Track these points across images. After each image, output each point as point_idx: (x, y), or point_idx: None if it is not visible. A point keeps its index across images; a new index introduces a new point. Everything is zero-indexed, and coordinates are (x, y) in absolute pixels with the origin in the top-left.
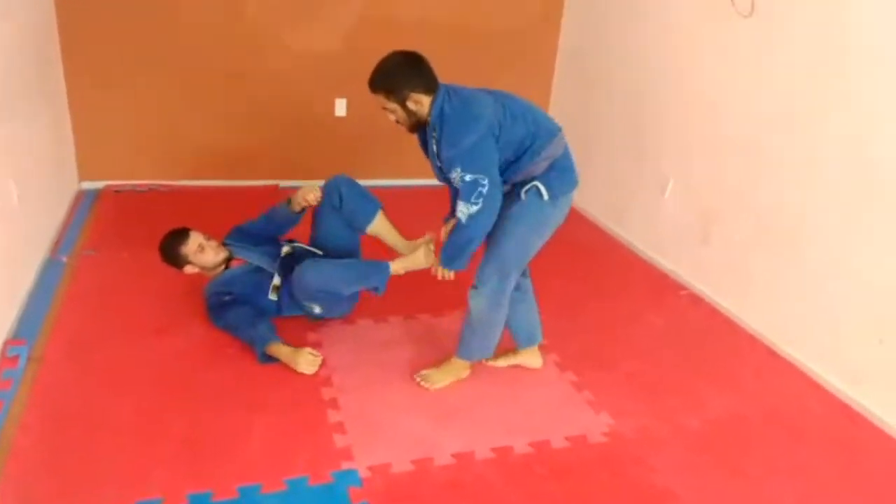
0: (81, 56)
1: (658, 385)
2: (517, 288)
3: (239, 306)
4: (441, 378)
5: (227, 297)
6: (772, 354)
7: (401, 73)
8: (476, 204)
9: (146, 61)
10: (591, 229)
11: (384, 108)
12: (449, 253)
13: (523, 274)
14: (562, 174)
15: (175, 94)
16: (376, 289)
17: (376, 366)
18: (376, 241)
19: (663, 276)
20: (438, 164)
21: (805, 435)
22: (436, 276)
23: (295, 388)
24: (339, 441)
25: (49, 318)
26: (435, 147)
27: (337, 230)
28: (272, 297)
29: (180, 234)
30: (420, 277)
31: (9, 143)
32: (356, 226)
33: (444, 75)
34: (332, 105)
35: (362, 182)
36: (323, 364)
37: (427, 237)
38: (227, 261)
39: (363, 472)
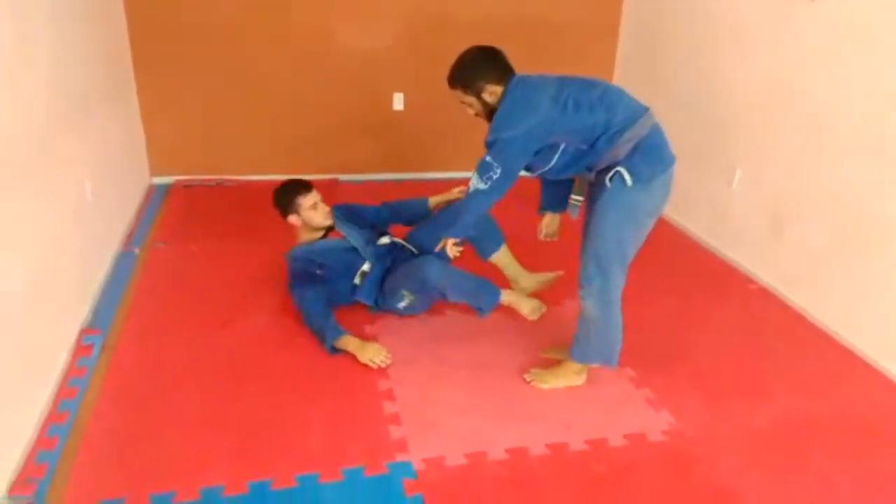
0: (150, 57)
1: (723, 382)
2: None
3: (319, 286)
4: (552, 380)
5: (316, 270)
6: (846, 353)
7: (475, 66)
8: (486, 183)
9: (212, 63)
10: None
11: (462, 103)
12: (446, 219)
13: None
14: (647, 156)
15: (239, 92)
16: (481, 309)
17: (432, 359)
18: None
19: (730, 269)
20: None
21: (878, 435)
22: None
23: (353, 379)
24: (395, 432)
25: (122, 308)
26: None
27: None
28: (356, 280)
29: (302, 185)
30: (479, 271)
31: (84, 142)
32: (480, 251)
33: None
34: (391, 99)
35: (420, 174)
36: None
37: (554, 274)
38: (328, 230)
39: (417, 465)
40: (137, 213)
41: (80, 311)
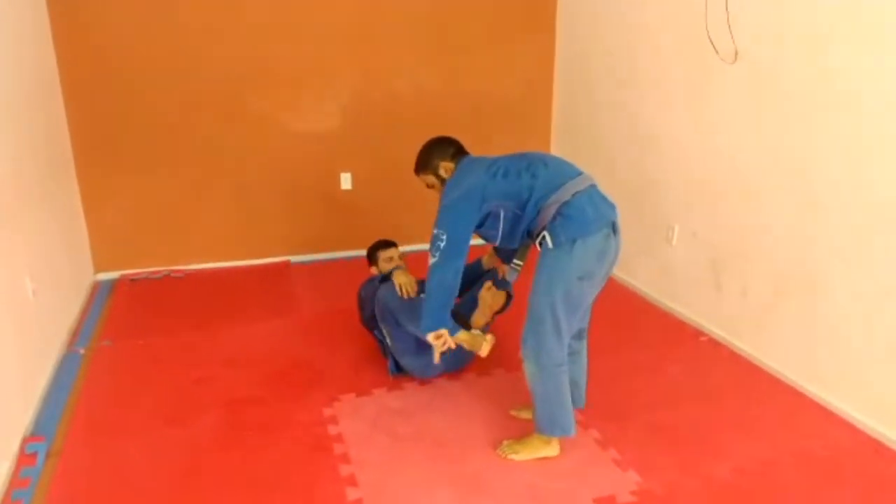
0: (91, 150)
1: (683, 436)
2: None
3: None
4: (523, 451)
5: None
6: (797, 395)
7: (431, 149)
8: (434, 256)
9: (153, 151)
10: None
11: (427, 187)
12: (423, 315)
13: (578, 336)
14: (567, 220)
15: (184, 180)
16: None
17: (391, 437)
18: None
19: (679, 323)
20: None
21: (838, 476)
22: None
23: (312, 468)
24: None
25: (67, 412)
26: None
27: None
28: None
29: (390, 243)
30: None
31: (24, 240)
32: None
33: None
34: (338, 179)
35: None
36: (339, 440)
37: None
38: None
39: None
40: (82, 311)
41: (22, 419)
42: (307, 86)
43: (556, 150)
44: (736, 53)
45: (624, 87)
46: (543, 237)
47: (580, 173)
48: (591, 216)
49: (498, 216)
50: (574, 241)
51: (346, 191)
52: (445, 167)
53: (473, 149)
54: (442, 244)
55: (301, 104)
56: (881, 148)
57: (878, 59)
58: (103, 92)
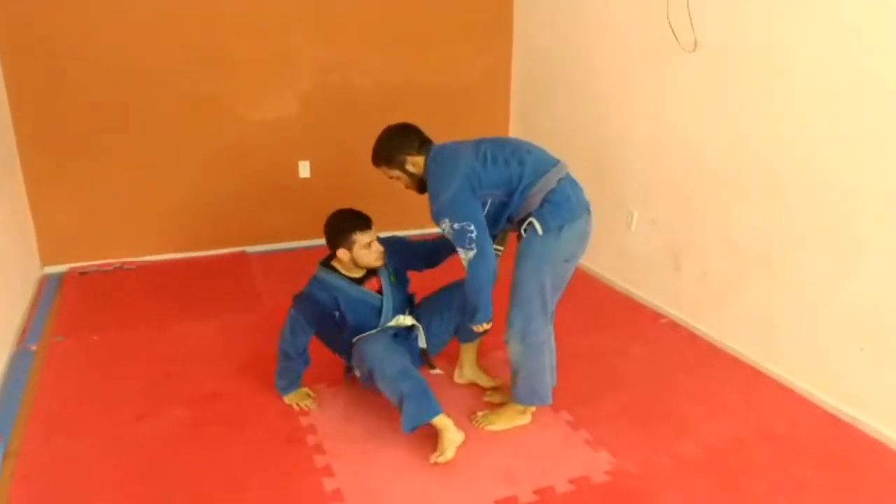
0: (36, 138)
1: (651, 415)
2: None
3: (380, 336)
4: (499, 422)
5: (334, 312)
6: (757, 374)
7: (393, 142)
8: (471, 248)
9: (102, 140)
10: None
11: (391, 179)
12: (471, 307)
13: (550, 318)
14: (555, 207)
15: (134, 170)
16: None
17: (366, 426)
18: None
19: (640, 307)
20: None
21: (800, 450)
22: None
23: (285, 460)
24: None
25: (23, 410)
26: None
27: (442, 328)
28: (422, 344)
29: (363, 220)
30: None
31: None
32: (462, 334)
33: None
34: (296, 167)
35: None
36: (312, 430)
37: (495, 383)
38: (369, 274)
39: None
40: (30, 307)
41: None
42: (264, 74)
43: (515, 135)
44: (696, 42)
45: (582, 74)
46: (531, 223)
47: (558, 160)
48: (574, 202)
49: (484, 204)
50: (562, 226)
51: (305, 179)
52: (413, 162)
53: (434, 139)
54: (474, 234)
55: (258, 92)
56: (837, 134)
57: (835, 47)
58: (49, 78)
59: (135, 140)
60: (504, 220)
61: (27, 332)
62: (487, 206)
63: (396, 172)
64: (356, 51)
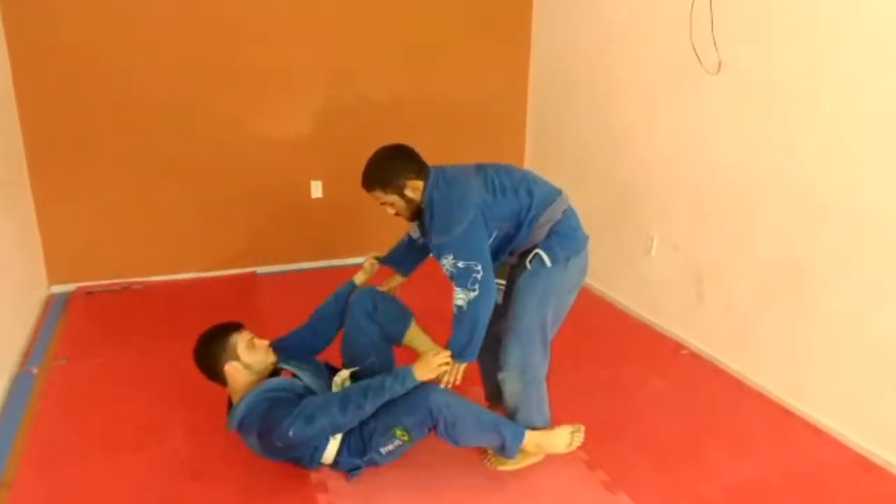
0: (46, 157)
1: (671, 454)
2: (496, 339)
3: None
4: (510, 461)
5: (286, 395)
6: (783, 411)
7: (390, 165)
8: (474, 290)
9: (112, 158)
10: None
11: (382, 204)
12: (460, 343)
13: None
14: (563, 238)
15: (144, 189)
16: (503, 448)
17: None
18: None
19: (660, 336)
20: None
21: (829, 495)
22: (447, 385)
23: (286, 497)
24: None
25: (19, 438)
26: (428, 232)
27: (372, 344)
28: (335, 438)
29: (232, 324)
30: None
31: None
32: (392, 334)
33: (416, 148)
34: (308, 187)
35: (342, 261)
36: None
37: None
38: (274, 371)
39: None
40: (35, 327)
41: None
42: (276, 90)
43: (530, 157)
44: (720, 63)
45: (602, 94)
46: (537, 255)
47: (561, 190)
48: (580, 233)
49: (489, 236)
50: (569, 258)
51: (317, 199)
52: (413, 186)
53: (447, 156)
54: (479, 276)
55: (270, 109)
56: (868, 158)
57: (864, 68)
58: (59, 94)
59: (145, 158)
60: (506, 253)
61: (30, 355)
62: (492, 239)
63: (392, 198)
64: (369, 64)
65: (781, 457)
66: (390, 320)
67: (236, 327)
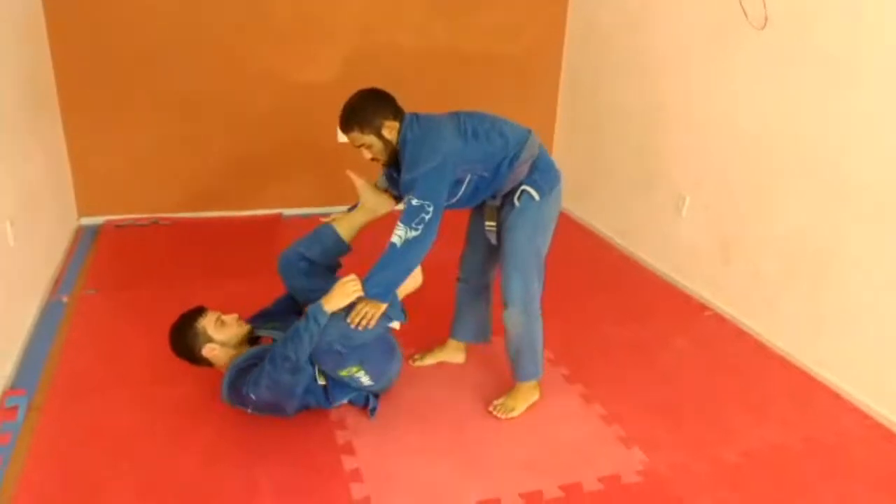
0: (77, 90)
1: (690, 414)
2: (487, 286)
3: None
4: (517, 405)
5: (252, 362)
6: (806, 377)
7: (369, 105)
8: (416, 230)
9: (143, 94)
10: (606, 249)
11: (359, 147)
12: (378, 277)
13: (489, 272)
14: (544, 172)
15: (174, 125)
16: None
17: (387, 404)
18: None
19: (685, 297)
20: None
21: (849, 464)
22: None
23: (307, 434)
24: (357, 491)
25: (49, 364)
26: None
27: (322, 290)
28: (321, 381)
29: (195, 310)
30: (426, 309)
31: (4, 182)
32: (331, 252)
33: (445, 101)
34: (334, 133)
35: None
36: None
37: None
38: (251, 339)
39: None
40: (65, 258)
41: (2, 370)
42: (307, 36)
43: (562, 113)
44: (766, 18)
45: (640, 47)
46: (524, 192)
47: (529, 129)
48: (555, 166)
49: (462, 181)
50: (552, 190)
51: (343, 144)
52: (390, 126)
53: (474, 107)
54: (427, 216)
55: (299, 52)
56: None
57: None
58: (91, 29)
59: (176, 95)
60: (482, 195)
61: (60, 284)
62: (466, 183)
63: (370, 138)
64: (403, 12)
65: (802, 423)
66: (323, 249)
67: (200, 312)
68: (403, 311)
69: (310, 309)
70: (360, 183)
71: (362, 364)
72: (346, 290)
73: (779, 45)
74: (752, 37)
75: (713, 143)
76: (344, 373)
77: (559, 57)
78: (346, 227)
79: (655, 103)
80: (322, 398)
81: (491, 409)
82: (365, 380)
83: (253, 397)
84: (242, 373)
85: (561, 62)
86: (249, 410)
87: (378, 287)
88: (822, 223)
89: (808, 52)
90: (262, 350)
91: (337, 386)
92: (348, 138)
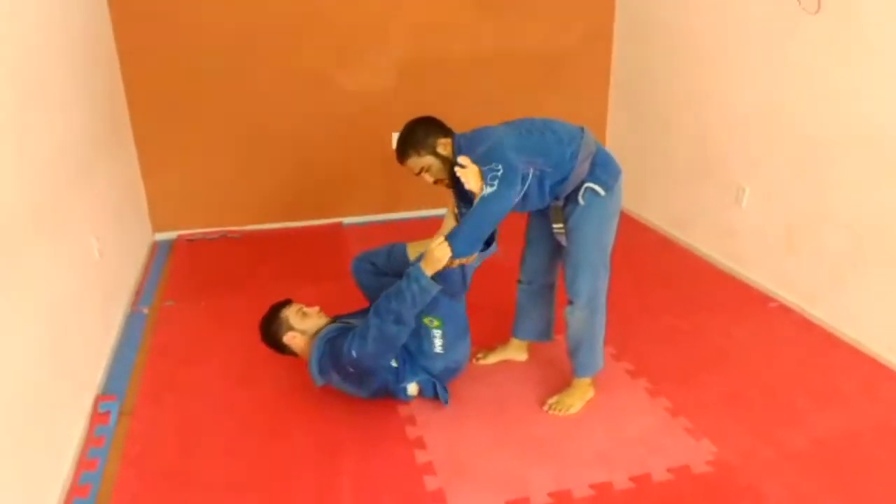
0: (147, 113)
1: (757, 404)
2: (550, 287)
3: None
4: (574, 403)
5: (348, 368)
6: (876, 365)
7: (419, 129)
8: (491, 185)
9: (207, 113)
10: (662, 243)
11: (419, 174)
12: (462, 238)
13: (552, 272)
14: (606, 166)
15: (236, 142)
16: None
17: (456, 399)
18: None
19: (747, 288)
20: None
21: None
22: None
23: (380, 430)
24: (430, 483)
25: (136, 371)
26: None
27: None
28: (393, 363)
29: (282, 302)
30: (487, 310)
31: (88, 200)
32: (398, 267)
33: (498, 103)
34: (390, 140)
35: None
36: (404, 403)
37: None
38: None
39: None
40: (143, 272)
41: (94, 377)
42: (360, 44)
43: (614, 109)
44: (819, 3)
45: (689, 37)
46: (588, 189)
47: (584, 127)
48: (615, 160)
49: (525, 177)
50: (614, 184)
51: None
52: (443, 143)
53: (528, 110)
54: (499, 173)
55: (354, 63)
56: None
57: None
58: (158, 50)
59: (238, 111)
60: (549, 194)
61: (140, 296)
62: (529, 179)
63: (427, 159)
64: (450, 16)
65: (873, 409)
66: (392, 262)
67: (285, 304)
68: (493, 242)
69: (410, 270)
70: (447, 210)
71: (444, 321)
72: (437, 255)
73: (832, 30)
74: (805, 22)
75: (769, 132)
76: (427, 320)
77: (608, 52)
78: (415, 253)
79: (707, 93)
80: (393, 377)
81: (546, 408)
82: (438, 343)
83: (354, 354)
84: (332, 342)
85: (610, 58)
86: (336, 381)
87: (463, 245)
88: (888, 207)
89: (861, 36)
90: (345, 326)
91: (408, 364)
92: (407, 166)
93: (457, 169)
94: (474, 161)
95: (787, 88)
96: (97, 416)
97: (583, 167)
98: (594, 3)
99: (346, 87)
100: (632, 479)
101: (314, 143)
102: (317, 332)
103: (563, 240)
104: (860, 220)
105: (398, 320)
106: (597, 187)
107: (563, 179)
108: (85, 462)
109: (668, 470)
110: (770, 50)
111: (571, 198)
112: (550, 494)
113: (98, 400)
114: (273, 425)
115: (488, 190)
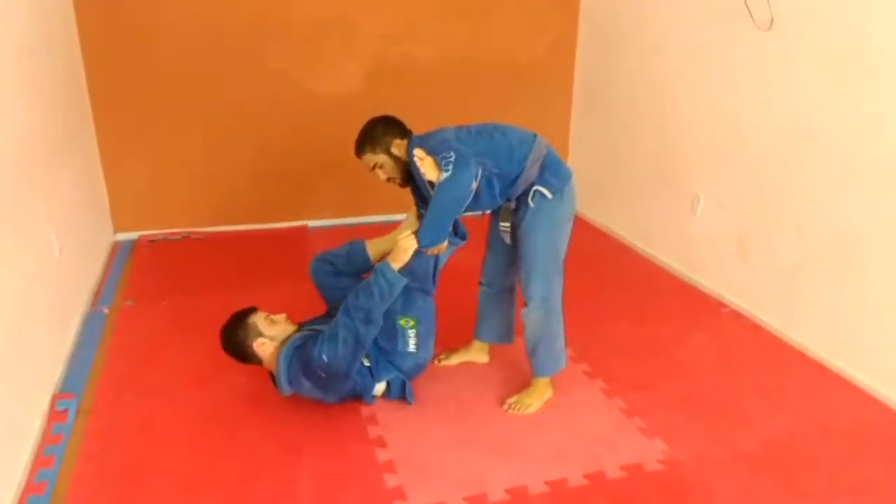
0: (110, 110)
1: (708, 406)
2: (510, 290)
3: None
4: (533, 402)
5: (320, 373)
6: (822, 369)
7: (378, 127)
8: (446, 171)
9: (172, 113)
10: (621, 250)
11: (373, 169)
12: (427, 229)
13: (511, 275)
14: (555, 171)
15: (201, 143)
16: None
17: (418, 401)
18: None
19: (701, 295)
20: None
21: (866, 449)
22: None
23: (341, 430)
24: (390, 481)
25: (94, 370)
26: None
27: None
28: (366, 362)
29: (247, 309)
30: (449, 311)
31: (49, 198)
32: (360, 267)
33: (463, 109)
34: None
35: (390, 216)
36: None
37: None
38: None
39: None
40: (104, 271)
41: (51, 375)
42: (329, 47)
43: (577, 114)
44: (772, 20)
45: (650, 50)
46: (537, 192)
47: (535, 134)
48: (565, 165)
49: (475, 176)
50: (564, 188)
51: None
52: (398, 145)
53: (493, 116)
54: (451, 159)
55: (323, 65)
56: None
57: None
58: (122, 47)
59: (203, 111)
60: (500, 197)
61: (100, 295)
62: (479, 178)
63: (381, 157)
64: (419, 22)
65: (818, 411)
66: (351, 262)
67: (252, 310)
68: (462, 233)
69: (378, 266)
70: (409, 214)
71: (418, 321)
72: (404, 246)
73: (784, 46)
74: (759, 38)
75: (724, 143)
76: (402, 321)
77: (572, 61)
78: (375, 250)
79: (666, 106)
80: (367, 377)
81: (506, 407)
82: (412, 343)
83: (325, 358)
84: (300, 349)
85: (573, 68)
86: (306, 389)
87: (429, 236)
88: (837, 215)
89: (810, 51)
90: (312, 332)
91: (381, 362)
92: (363, 161)
93: (415, 160)
94: (427, 153)
95: (742, 100)
96: (54, 415)
97: (532, 170)
98: (559, 12)
99: (313, 90)
100: (586, 476)
101: (280, 146)
102: (285, 340)
103: (506, 238)
104: (809, 229)
105: (367, 319)
106: (545, 190)
107: (513, 181)
108: (41, 460)
109: (622, 468)
110: (725, 64)
111: (522, 200)
112: (507, 491)
113: (55, 398)
114: (233, 424)
115: (444, 175)
